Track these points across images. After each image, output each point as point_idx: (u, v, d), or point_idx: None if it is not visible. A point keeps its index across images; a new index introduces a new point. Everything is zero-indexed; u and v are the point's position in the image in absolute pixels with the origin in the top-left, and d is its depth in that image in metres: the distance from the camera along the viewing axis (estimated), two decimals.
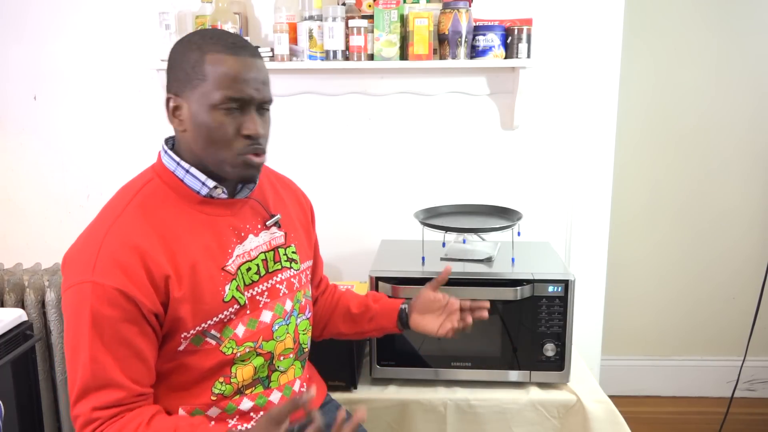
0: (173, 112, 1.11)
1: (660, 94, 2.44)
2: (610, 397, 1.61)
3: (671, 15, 2.38)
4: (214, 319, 1.10)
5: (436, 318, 1.35)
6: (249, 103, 1.08)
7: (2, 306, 1.87)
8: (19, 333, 1.60)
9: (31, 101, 2.13)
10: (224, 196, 1.15)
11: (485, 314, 1.32)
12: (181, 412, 1.12)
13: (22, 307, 1.85)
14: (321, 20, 1.91)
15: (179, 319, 1.07)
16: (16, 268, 2.06)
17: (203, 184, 1.12)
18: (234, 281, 1.12)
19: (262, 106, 1.11)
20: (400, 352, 1.66)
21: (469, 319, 1.30)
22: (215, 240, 1.12)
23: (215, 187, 1.12)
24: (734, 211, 2.52)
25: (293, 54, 1.95)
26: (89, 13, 2.06)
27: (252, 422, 1.17)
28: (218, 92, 1.05)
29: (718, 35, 2.39)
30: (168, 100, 1.11)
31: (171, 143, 1.17)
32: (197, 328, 1.09)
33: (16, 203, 2.20)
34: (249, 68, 1.07)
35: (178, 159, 1.12)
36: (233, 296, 1.12)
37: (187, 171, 1.11)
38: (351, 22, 1.88)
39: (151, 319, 1.05)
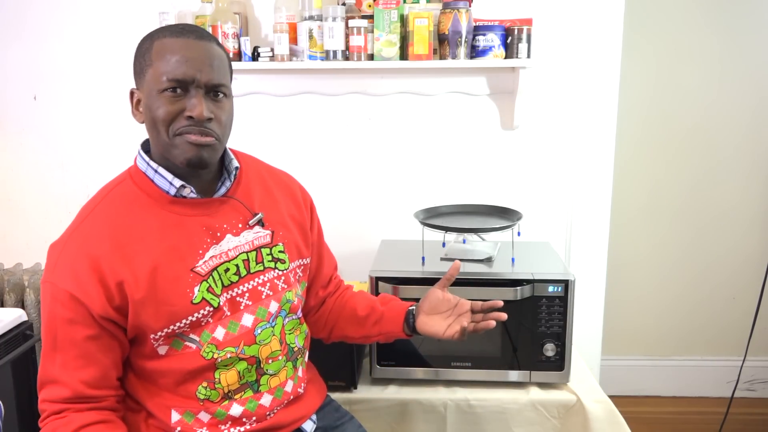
0: (136, 106, 1.11)
1: (660, 93, 2.44)
2: (610, 397, 1.61)
3: (671, 15, 2.38)
4: (185, 321, 1.08)
5: (443, 319, 1.27)
6: (192, 84, 1.05)
7: (2, 306, 1.87)
8: (19, 333, 1.61)
9: (31, 101, 2.13)
10: (194, 195, 1.12)
11: (503, 316, 1.22)
12: (173, 413, 1.13)
13: (22, 307, 1.85)
14: (321, 20, 1.91)
15: (143, 321, 1.06)
16: (16, 268, 2.06)
17: (170, 183, 1.10)
18: (204, 282, 1.10)
19: (214, 90, 1.08)
20: (400, 352, 1.66)
21: (491, 323, 1.22)
22: (185, 241, 1.10)
23: (183, 187, 1.10)
24: (734, 211, 2.52)
25: (293, 54, 1.95)
26: (89, 13, 2.06)
27: (246, 426, 1.16)
28: (162, 75, 1.04)
29: (718, 35, 2.39)
30: (131, 94, 1.11)
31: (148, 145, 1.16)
32: (165, 330, 1.08)
33: (16, 203, 2.19)
34: (191, 48, 1.05)
35: (148, 159, 1.12)
36: (203, 298, 1.09)
37: (156, 171, 1.10)
38: (351, 22, 1.88)
39: (104, 324, 1.05)
